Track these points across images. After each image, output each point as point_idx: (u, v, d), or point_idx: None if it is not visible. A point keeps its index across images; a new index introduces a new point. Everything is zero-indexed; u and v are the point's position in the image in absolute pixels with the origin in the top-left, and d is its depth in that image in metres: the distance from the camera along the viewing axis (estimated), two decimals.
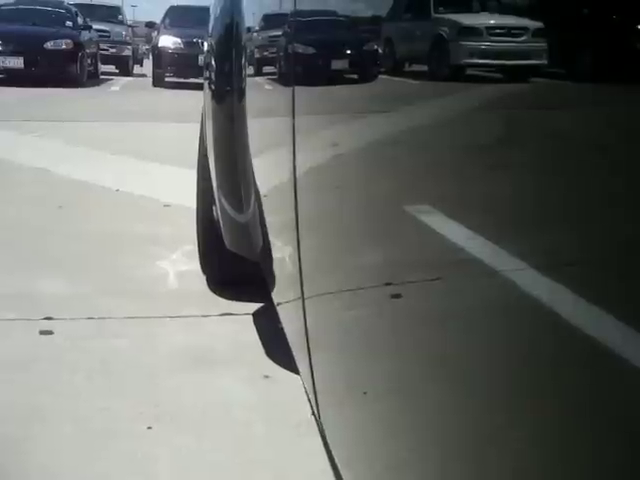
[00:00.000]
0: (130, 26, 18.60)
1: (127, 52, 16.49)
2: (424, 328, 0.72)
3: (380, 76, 0.92)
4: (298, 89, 1.11)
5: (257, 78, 1.78)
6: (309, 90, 1.14)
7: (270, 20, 1.72)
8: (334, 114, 1.04)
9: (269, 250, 1.53)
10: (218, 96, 1.99)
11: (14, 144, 5.49)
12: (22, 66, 10.87)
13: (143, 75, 15.79)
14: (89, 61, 12.75)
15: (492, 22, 0.58)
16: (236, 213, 1.79)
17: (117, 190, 3.95)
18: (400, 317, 0.79)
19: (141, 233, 3.06)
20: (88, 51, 12.67)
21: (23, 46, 10.93)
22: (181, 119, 6.92)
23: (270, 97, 1.54)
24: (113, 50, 15.84)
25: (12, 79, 10.48)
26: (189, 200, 3.15)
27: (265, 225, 1.54)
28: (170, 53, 12.17)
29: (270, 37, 1.71)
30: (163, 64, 12.23)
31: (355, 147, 0.92)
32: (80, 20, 12.92)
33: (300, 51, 1.24)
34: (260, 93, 1.68)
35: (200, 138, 2.39)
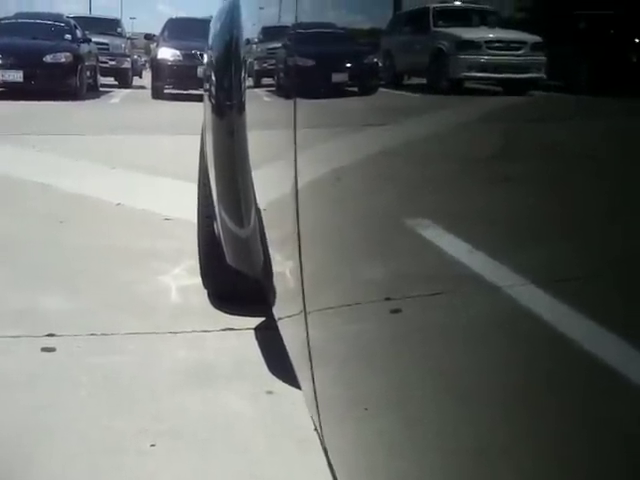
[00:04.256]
0: (129, 38, 18.64)
1: (126, 64, 16.53)
2: (424, 343, 0.72)
3: (380, 89, 0.93)
4: (299, 101, 1.11)
5: (257, 91, 1.79)
6: (310, 103, 1.15)
7: (269, 34, 1.73)
8: (334, 127, 1.04)
9: (269, 264, 1.54)
10: (218, 110, 2.00)
11: (14, 158, 5.50)
12: (22, 79, 10.89)
13: (142, 87, 15.82)
14: (88, 73, 12.78)
15: (491, 36, 0.59)
16: (237, 228, 1.80)
17: (118, 204, 3.95)
18: (400, 332, 0.79)
19: (142, 247, 3.06)
20: (87, 64, 12.71)
21: (23, 60, 10.95)
22: (180, 131, 6.93)
23: (270, 110, 1.54)
24: (112, 62, 15.87)
25: (12, 93, 10.50)
26: (189, 213, 3.15)
27: (265, 240, 1.54)
28: (169, 65, 12.21)
29: (269, 51, 1.72)
30: (162, 76, 12.27)
31: (355, 160, 0.92)
32: (79, 33, 12.95)
33: (300, 64, 1.24)
34: (260, 107, 1.69)
35: (200, 154, 2.40)
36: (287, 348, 1.40)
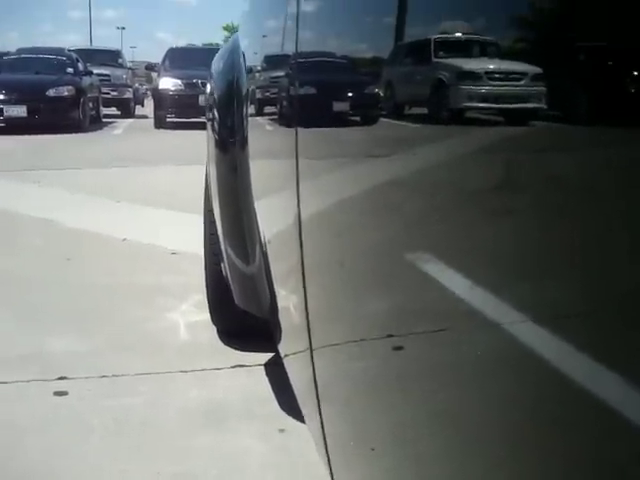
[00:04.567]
0: (130, 68, 18.81)
1: (128, 94, 16.67)
2: (431, 381, 0.72)
3: (381, 119, 0.93)
4: (300, 131, 1.12)
5: (259, 126, 1.79)
6: (311, 132, 1.15)
7: (270, 67, 1.74)
8: (335, 158, 1.05)
9: (275, 301, 1.54)
10: (221, 148, 2.01)
11: (19, 194, 5.53)
12: (25, 114, 10.98)
13: (144, 116, 15.92)
14: (91, 105, 12.87)
15: (491, 67, 0.59)
16: (243, 267, 1.81)
17: (124, 239, 3.97)
18: (406, 369, 0.79)
19: (150, 284, 3.07)
20: (90, 95, 12.81)
21: (26, 95, 11.05)
22: (183, 162, 6.97)
23: (272, 146, 1.55)
24: (114, 93, 16.01)
25: (15, 127, 10.59)
26: (195, 246, 3.17)
27: (271, 276, 1.55)
28: (171, 95, 12.30)
29: (271, 81, 1.73)
30: (164, 106, 12.36)
31: (357, 193, 0.92)
32: (81, 66, 13.08)
33: (301, 93, 1.25)
34: (262, 142, 1.69)
35: (205, 192, 2.41)
36: (293, 386, 1.40)
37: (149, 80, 22.34)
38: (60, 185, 5.91)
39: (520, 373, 0.55)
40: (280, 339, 1.55)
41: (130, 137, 11.26)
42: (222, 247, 1.93)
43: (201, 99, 12.21)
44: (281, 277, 1.46)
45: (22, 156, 8.16)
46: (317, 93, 1.23)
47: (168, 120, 12.47)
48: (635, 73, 0.41)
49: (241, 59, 1.99)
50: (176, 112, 12.16)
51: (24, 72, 11.70)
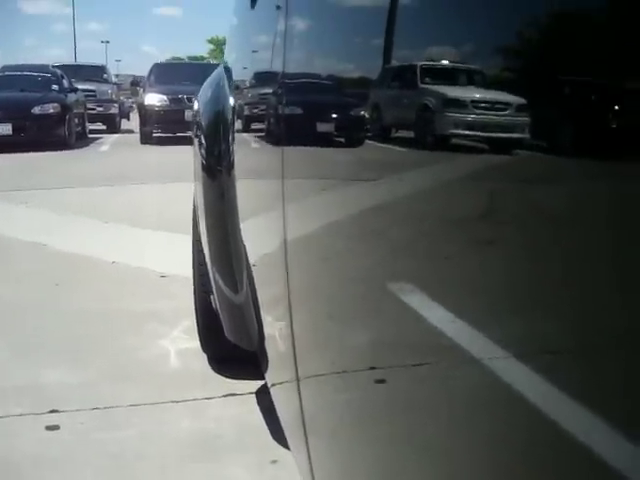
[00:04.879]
0: (115, 84, 18.79)
1: (114, 110, 16.66)
2: (411, 415, 0.73)
3: (367, 141, 0.93)
4: (286, 151, 1.12)
5: (246, 156, 1.78)
6: (297, 152, 1.14)
7: (257, 86, 1.75)
8: (319, 179, 1.04)
9: (262, 330, 1.54)
10: (209, 176, 2.03)
11: (6, 216, 5.53)
12: (10, 132, 10.96)
13: (130, 131, 15.92)
14: (76, 121, 12.85)
15: (477, 96, 0.60)
16: (232, 301, 1.82)
17: (113, 262, 3.98)
18: (386, 403, 0.79)
19: (140, 309, 3.08)
20: (75, 111, 12.80)
21: (11, 112, 11.03)
22: (170, 179, 6.99)
23: (259, 169, 1.53)
24: (100, 109, 16.00)
25: (1, 145, 10.55)
26: (183, 268, 3.17)
27: (258, 305, 1.55)
28: (156, 111, 12.31)
29: (260, 99, 1.73)
30: (150, 122, 12.37)
31: (342, 218, 0.92)
32: (66, 83, 13.06)
33: (288, 113, 1.25)
34: (249, 168, 1.68)
35: (193, 220, 2.43)
36: (280, 416, 1.41)
37: (134, 93, 22.32)
38: (48, 205, 5.90)
39: (504, 408, 0.55)
40: (267, 369, 1.56)
41: (116, 154, 11.25)
42: (211, 277, 1.94)
43: (186, 114, 12.22)
44: (268, 306, 1.46)
45: (9, 175, 8.14)
46: (303, 115, 1.23)
47: (154, 135, 12.47)
48: (616, 108, 0.43)
49: (227, 90, 2.02)
50: (162, 128, 12.18)
51: (9, 90, 11.67)
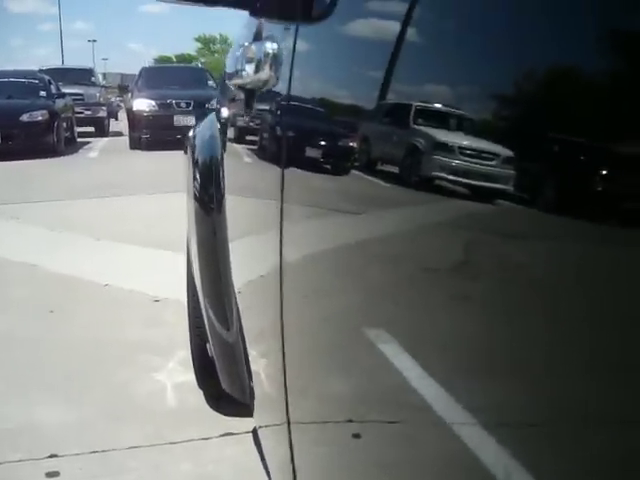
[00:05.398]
0: (103, 86, 18.73)
1: (102, 113, 16.59)
2: (386, 471, 0.73)
3: (352, 171, 0.93)
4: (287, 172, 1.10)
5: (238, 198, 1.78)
6: (297, 174, 1.12)
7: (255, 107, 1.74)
8: (321, 209, 1.02)
9: (250, 376, 1.54)
10: (203, 216, 2.05)
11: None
12: None
13: (119, 133, 15.86)
14: (65, 125, 12.79)
15: (465, 143, 0.61)
16: (227, 350, 1.83)
17: (106, 285, 3.98)
18: (361, 457, 0.80)
19: (134, 338, 3.09)
20: (63, 115, 12.74)
21: None
22: (161, 189, 6.98)
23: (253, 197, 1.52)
24: (88, 112, 15.93)
25: None
26: (176, 292, 3.19)
27: (246, 348, 1.54)
28: (145, 116, 12.28)
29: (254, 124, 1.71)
30: (139, 127, 12.33)
31: (327, 254, 0.92)
32: (54, 88, 12.98)
33: (284, 137, 1.21)
34: (240, 210, 1.68)
35: (187, 263, 2.44)
36: (267, 461, 1.40)
37: (122, 90, 22.23)
38: (39, 221, 5.88)
39: (478, 468, 0.55)
40: (257, 414, 1.56)
41: (106, 160, 11.20)
42: (206, 324, 1.96)
43: (175, 119, 12.23)
44: (258, 351, 1.46)
45: None
46: (299, 141, 1.19)
47: (143, 140, 12.43)
48: (602, 172, 0.44)
49: (218, 140, 2.03)
50: (151, 133, 12.14)
51: None
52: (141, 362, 2.83)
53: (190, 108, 12.26)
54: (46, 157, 10.99)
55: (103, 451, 2.15)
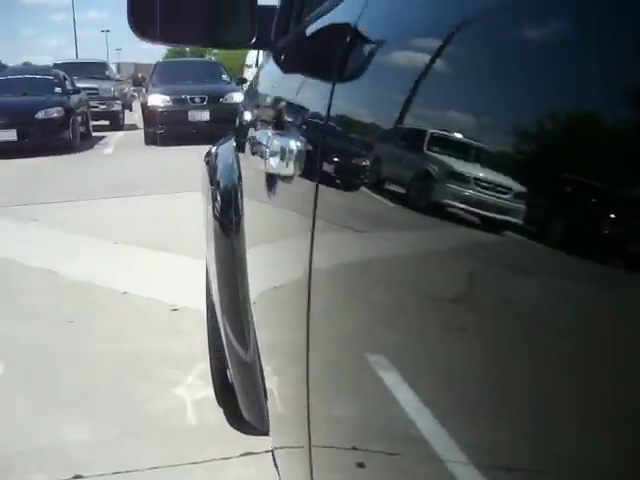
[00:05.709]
0: (118, 80, 18.79)
1: (117, 107, 16.66)
2: None
3: (361, 188, 0.91)
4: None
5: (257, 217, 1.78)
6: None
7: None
8: (352, 231, 1.00)
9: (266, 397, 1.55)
10: (222, 240, 2.06)
11: (15, 237, 5.57)
12: (15, 138, 10.97)
13: (134, 127, 15.90)
14: (80, 120, 12.86)
15: (480, 175, 0.60)
16: (248, 384, 1.84)
17: (124, 293, 4.02)
18: None
19: (153, 350, 3.12)
20: (79, 111, 12.81)
21: (15, 118, 11.04)
22: (177, 188, 7.01)
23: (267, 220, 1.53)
24: (103, 106, 16.01)
25: (5, 152, 10.58)
26: (195, 300, 3.20)
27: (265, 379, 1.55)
28: (160, 112, 12.29)
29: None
30: (154, 122, 12.35)
31: (349, 270, 0.91)
32: (69, 84, 13.04)
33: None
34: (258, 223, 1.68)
35: (206, 286, 2.46)
36: None
37: (136, 81, 22.28)
38: (56, 223, 5.94)
39: None
40: (273, 434, 1.56)
41: (122, 157, 11.23)
42: (226, 351, 1.97)
43: (190, 114, 12.25)
44: (275, 370, 1.45)
45: (16, 187, 8.16)
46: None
47: (158, 134, 12.45)
48: (612, 216, 0.44)
49: (235, 165, 2.04)
50: (166, 128, 12.16)
51: (11, 94, 11.69)
52: (161, 377, 2.86)
53: (205, 103, 12.28)
54: (62, 154, 11.07)
55: (126, 472, 2.18)
